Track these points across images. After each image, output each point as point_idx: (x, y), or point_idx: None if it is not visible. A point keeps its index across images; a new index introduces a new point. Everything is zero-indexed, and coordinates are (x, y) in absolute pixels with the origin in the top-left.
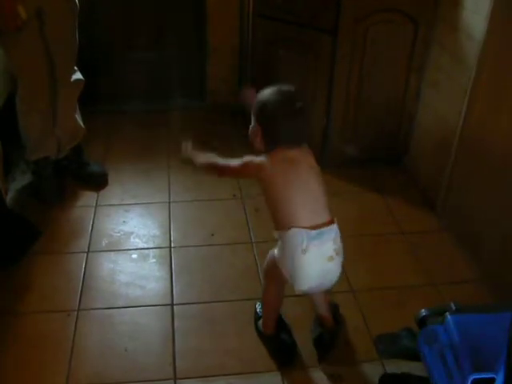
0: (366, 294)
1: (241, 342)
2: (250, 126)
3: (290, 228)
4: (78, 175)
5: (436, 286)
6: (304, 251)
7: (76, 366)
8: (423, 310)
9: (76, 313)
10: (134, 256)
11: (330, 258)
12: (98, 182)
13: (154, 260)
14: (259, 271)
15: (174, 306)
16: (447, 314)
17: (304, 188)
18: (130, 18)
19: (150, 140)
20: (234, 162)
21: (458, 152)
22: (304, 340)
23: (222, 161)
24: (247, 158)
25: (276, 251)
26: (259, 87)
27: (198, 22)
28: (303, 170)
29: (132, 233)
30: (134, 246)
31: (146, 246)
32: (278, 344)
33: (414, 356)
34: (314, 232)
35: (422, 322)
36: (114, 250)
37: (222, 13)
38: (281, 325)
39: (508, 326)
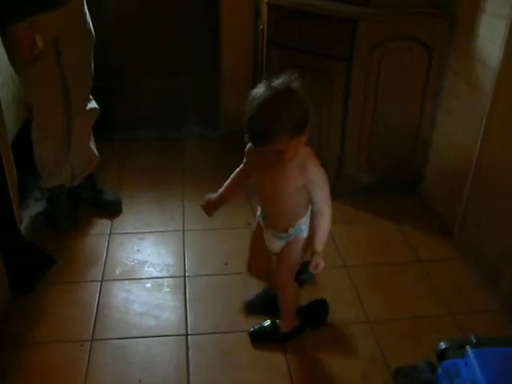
0: (382, 324)
1: (256, 373)
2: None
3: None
4: (92, 203)
5: (454, 315)
6: None
7: None
8: (443, 343)
9: (90, 343)
10: (148, 285)
11: None
12: (112, 210)
13: (168, 289)
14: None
15: (189, 337)
16: (468, 347)
17: None
18: (145, 46)
19: (164, 168)
20: None
21: (474, 180)
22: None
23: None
24: None
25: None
26: None
27: (212, 49)
28: None
29: (146, 261)
30: (148, 274)
31: (160, 274)
32: (311, 315)
33: None
34: None
35: (441, 356)
36: (128, 279)
37: (236, 40)
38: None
39: None
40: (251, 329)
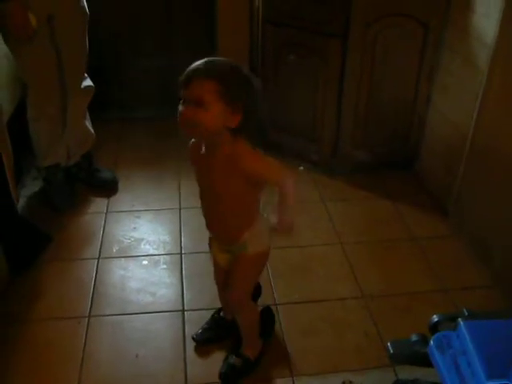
0: (376, 299)
1: None
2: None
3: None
4: (89, 182)
5: (447, 291)
6: None
7: (87, 373)
8: (435, 316)
9: (87, 319)
10: (145, 262)
11: None
12: (109, 189)
13: (165, 266)
14: (270, 276)
15: (185, 312)
16: (460, 319)
17: None
18: (139, 25)
19: (160, 146)
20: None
21: (470, 157)
22: (312, 347)
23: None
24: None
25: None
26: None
27: (207, 27)
28: None
29: (142, 239)
30: (144, 252)
31: (156, 252)
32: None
33: (426, 362)
34: None
35: (434, 328)
36: (125, 257)
37: (232, 19)
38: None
39: None
40: (221, 370)
